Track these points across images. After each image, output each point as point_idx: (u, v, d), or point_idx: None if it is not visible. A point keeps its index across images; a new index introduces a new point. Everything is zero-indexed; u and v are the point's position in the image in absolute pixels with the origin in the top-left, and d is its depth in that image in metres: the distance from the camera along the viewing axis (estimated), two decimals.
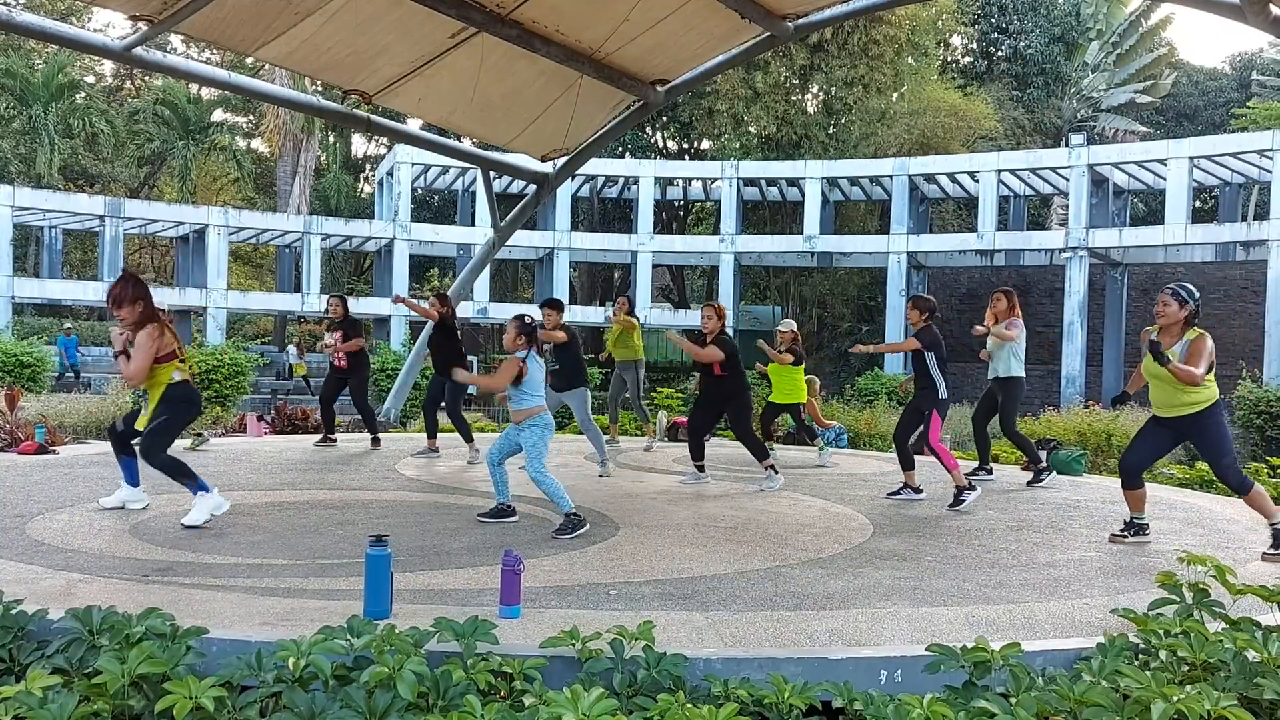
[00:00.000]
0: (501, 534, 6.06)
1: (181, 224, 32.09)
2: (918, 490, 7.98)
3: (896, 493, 8.05)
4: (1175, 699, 3.08)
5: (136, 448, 6.32)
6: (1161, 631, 3.75)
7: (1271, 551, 5.91)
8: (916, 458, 8.12)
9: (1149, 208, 38.07)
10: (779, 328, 10.77)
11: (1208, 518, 7.55)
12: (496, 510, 6.59)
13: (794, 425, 11.41)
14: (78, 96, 37.63)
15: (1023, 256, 31.14)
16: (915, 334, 7.73)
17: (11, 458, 8.94)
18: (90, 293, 31.15)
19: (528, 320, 6.45)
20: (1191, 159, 27.26)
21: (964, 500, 7.52)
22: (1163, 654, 3.64)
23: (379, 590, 3.99)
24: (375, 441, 10.41)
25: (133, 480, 6.55)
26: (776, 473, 8.42)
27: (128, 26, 6.95)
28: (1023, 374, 8.75)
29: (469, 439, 9.78)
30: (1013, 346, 8.67)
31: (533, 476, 6.25)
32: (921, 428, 7.76)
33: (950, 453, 7.82)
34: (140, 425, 6.28)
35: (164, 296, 26.75)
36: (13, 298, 28.15)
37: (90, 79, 42.65)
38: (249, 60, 30.22)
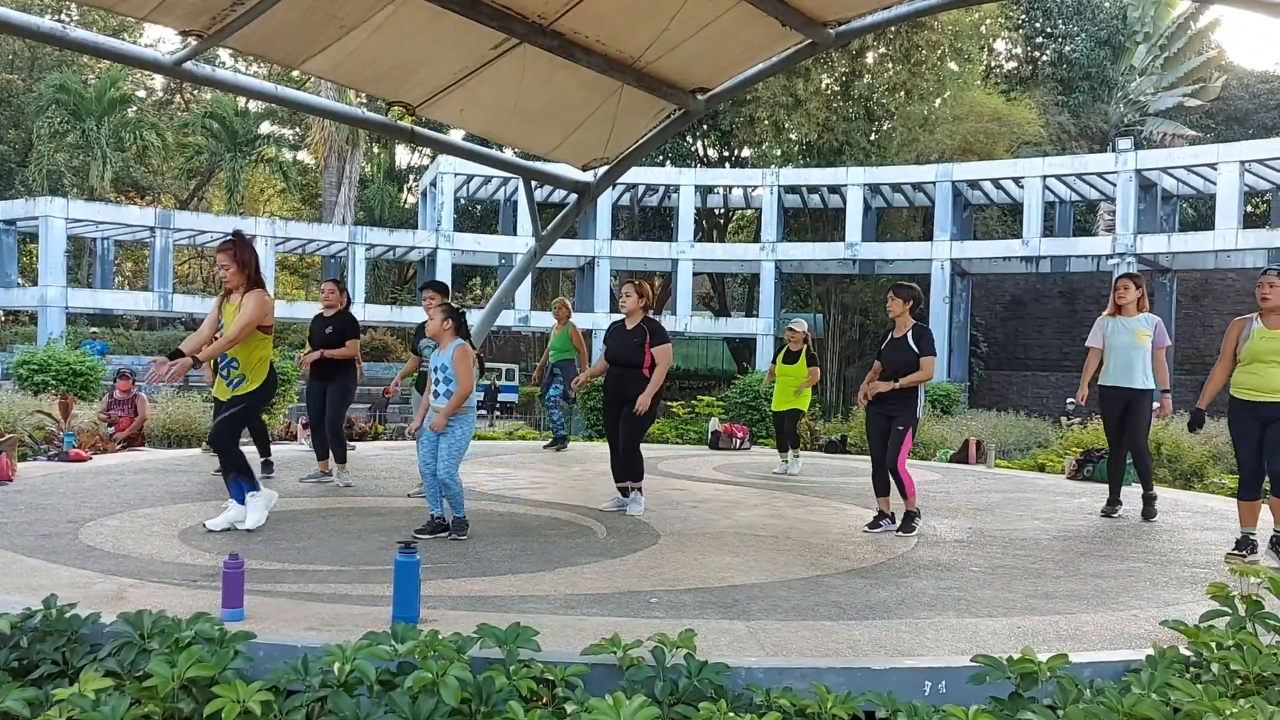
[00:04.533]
0: (543, 540, 6.08)
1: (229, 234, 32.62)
2: (893, 519, 6.88)
3: (876, 525, 6.81)
4: (1228, 713, 3.02)
5: (211, 439, 6.02)
6: (1213, 644, 3.68)
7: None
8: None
9: (1198, 213, 37.40)
10: (790, 326, 10.25)
11: (1260, 528, 7.39)
12: (433, 525, 6.08)
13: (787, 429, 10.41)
14: (129, 110, 38.37)
15: (1069, 263, 30.71)
16: (916, 337, 6.68)
17: (64, 465, 9.12)
18: (141, 303, 31.74)
19: (452, 304, 6.12)
20: (1243, 163, 26.76)
21: (913, 527, 6.66)
22: (1215, 667, 3.57)
23: (407, 596, 4.05)
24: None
25: (253, 486, 6.19)
26: (641, 494, 7.32)
27: (178, 41, 7.09)
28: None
29: (342, 459, 8.37)
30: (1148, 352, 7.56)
31: (443, 477, 5.89)
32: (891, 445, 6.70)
33: (913, 480, 6.79)
34: (218, 394, 6.00)
35: (213, 305, 27.13)
36: (67, 308, 28.76)
37: (141, 93, 43.50)
38: (295, 73, 30.70)
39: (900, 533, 6.65)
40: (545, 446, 12.08)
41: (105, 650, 3.44)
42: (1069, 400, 24.04)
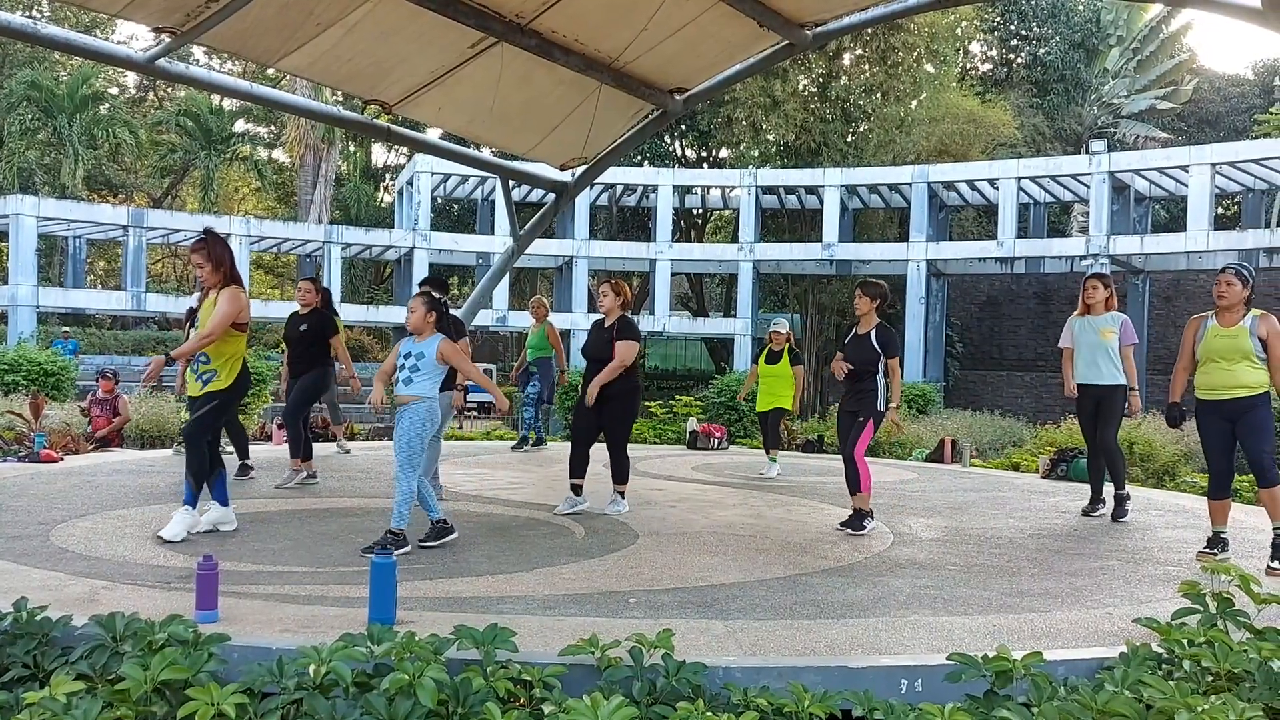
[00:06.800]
0: (521, 541, 6.06)
1: None
2: (872, 514, 6.91)
3: (849, 524, 6.78)
4: (1199, 709, 3.05)
5: (185, 431, 5.92)
6: (1185, 641, 3.71)
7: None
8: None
9: (1170, 215, 37.79)
10: (773, 328, 10.22)
11: (1231, 526, 7.47)
12: (436, 530, 5.81)
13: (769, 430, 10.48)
14: (102, 108, 37.96)
15: (1043, 264, 30.95)
16: (880, 338, 6.78)
17: (35, 466, 9.01)
18: (113, 302, 31.42)
19: (435, 295, 5.97)
20: (1214, 165, 27.05)
21: (864, 527, 6.67)
22: (1186, 664, 3.61)
23: (384, 597, 4.03)
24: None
25: (223, 497, 6.04)
26: (624, 498, 7.38)
27: (151, 38, 7.02)
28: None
29: (295, 454, 8.23)
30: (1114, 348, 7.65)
31: (396, 472, 5.52)
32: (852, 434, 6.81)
33: (870, 474, 6.87)
34: (192, 391, 5.88)
35: (187, 305, 26.89)
36: (38, 307, 28.43)
37: (114, 90, 43.05)
38: (270, 71, 30.46)
39: (848, 530, 6.65)
40: (513, 448, 11.84)
41: (77, 653, 3.41)
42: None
